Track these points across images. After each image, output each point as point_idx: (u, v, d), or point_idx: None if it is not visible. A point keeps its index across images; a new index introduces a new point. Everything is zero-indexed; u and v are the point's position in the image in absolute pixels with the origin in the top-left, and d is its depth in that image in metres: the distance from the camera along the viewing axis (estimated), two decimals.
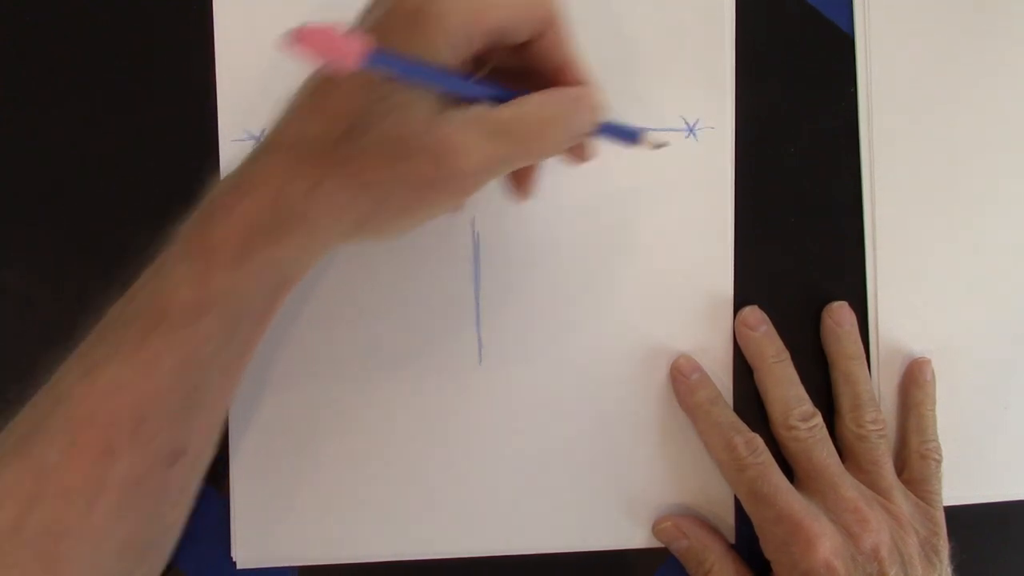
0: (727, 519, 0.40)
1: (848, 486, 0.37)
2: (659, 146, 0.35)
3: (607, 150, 0.40)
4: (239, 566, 0.38)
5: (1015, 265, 0.43)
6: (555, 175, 0.40)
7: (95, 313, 0.31)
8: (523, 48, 0.31)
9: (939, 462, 0.40)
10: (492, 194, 0.39)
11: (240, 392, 0.38)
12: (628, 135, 0.34)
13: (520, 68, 0.32)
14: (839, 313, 0.41)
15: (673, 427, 0.40)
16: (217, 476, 0.38)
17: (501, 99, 0.29)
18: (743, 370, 0.40)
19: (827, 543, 0.35)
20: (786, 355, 0.40)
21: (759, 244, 0.41)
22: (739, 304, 0.40)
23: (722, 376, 0.40)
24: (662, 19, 0.40)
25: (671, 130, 0.40)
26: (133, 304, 0.30)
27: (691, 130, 0.40)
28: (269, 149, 0.30)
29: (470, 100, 0.29)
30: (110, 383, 0.29)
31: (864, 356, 0.41)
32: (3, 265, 0.38)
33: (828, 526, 0.36)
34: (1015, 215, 0.43)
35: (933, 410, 0.41)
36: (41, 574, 0.30)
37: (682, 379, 0.39)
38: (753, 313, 0.40)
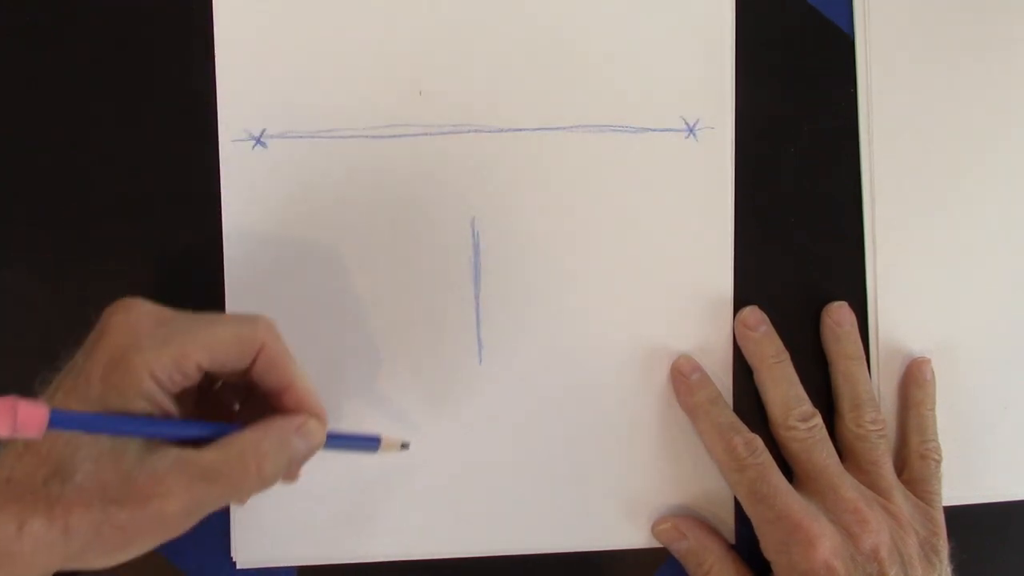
0: (727, 520, 0.40)
1: (848, 486, 0.37)
2: (403, 446, 0.36)
3: (607, 147, 0.40)
4: (239, 566, 0.38)
5: (1015, 265, 0.43)
6: (556, 175, 0.40)
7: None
8: (245, 372, 0.31)
9: (939, 462, 0.40)
10: (492, 194, 0.39)
11: None
12: (365, 443, 0.35)
13: (240, 397, 0.33)
14: (839, 313, 0.41)
15: (673, 427, 0.40)
16: None
17: (213, 436, 0.29)
18: (743, 370, 0.40)
19: (827, 543, 0.35)
20: (786, 355, 0.40)
21: (759, 244, 0.41)
22: (739, 304, 0.40)
23: (722, 376, 0.40)
24: (662, 19, 0.40)
25: (671, 130, 0.40)
26: None
27: (691, 130, 0.40)
28: None
29: (179, 441, 0.29)
30: None
31: (864, 356, 0.41)
32: (3, 265, 0.38)
33: (828, 526, 0.36)
34: (1015, 215, 0.43)
35: (933, 410, 0.41)
36: None
37: (682, 379, 0.39)
38: (753, 313, 0.40)
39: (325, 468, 0.38)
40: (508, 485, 0.39)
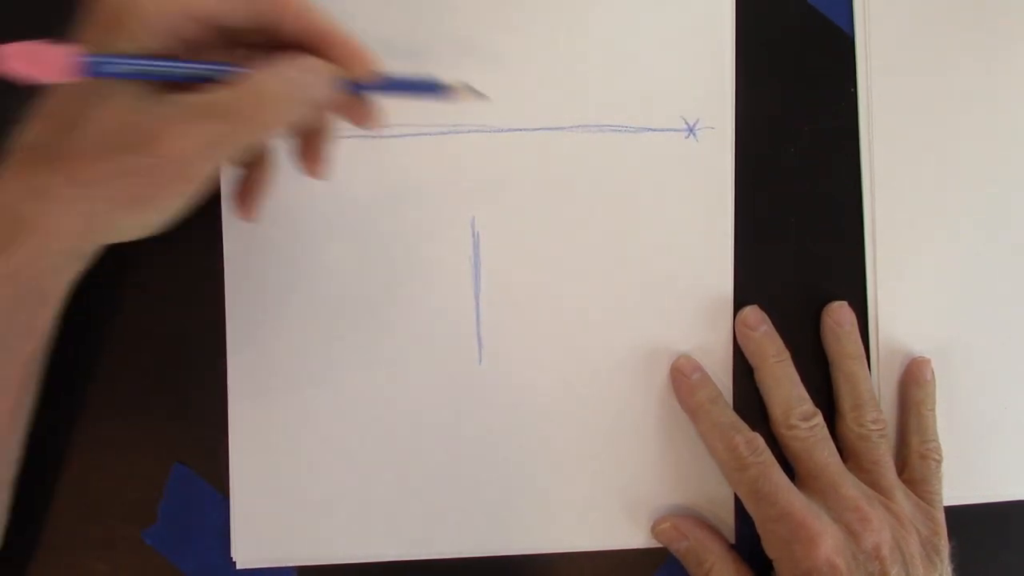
0: (727, 519, 0.40)
1: (849, 485, 0.37)
2: (474, 94, 0.34)
3: (607, 147, 0.40)
4: (239, 566, 0.38)
5: (1015, 265, 0.43)
6: (556, 176, 0.40)
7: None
8: (273, 32, 0.30)
9: (939, 462, 0.40)
10: (492, 194, 0.39)
11: (240, 392, 0.38)
12: (425, 88, 0.33)
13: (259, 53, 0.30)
14: (839, 313, 0.41)
15: (673, 427, 0.40)
16: (217, 476, 0.38)
17: (223, 77, 0.28)
18: (743, 370, 0.40)
19: (829, 541, 0.35)
20: (786, 355, 0.40)
21: (759, 244, 0.41)
22: (739, 304, 0.40)
23: (722, 376, 0.40)
24: (663, 19, 0.40)
25: (671, 130, 0.40)
26: None
27: (691, 130, 0.40)
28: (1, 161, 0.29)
29: (191, 86, 0.28)
30: None
31: (864, 356, 0.41)
32: None
33: (830, 524, 0.36)
34: (1015, 215, 0.43)
35: (933, 410, 0.41)
36: None
37: (682, 379, 0.39)
38: (753, 313, 0.40)
39: (325, 468, 0.38)
40: (508, 485, 0.39)
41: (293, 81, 0.29)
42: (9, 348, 0.31)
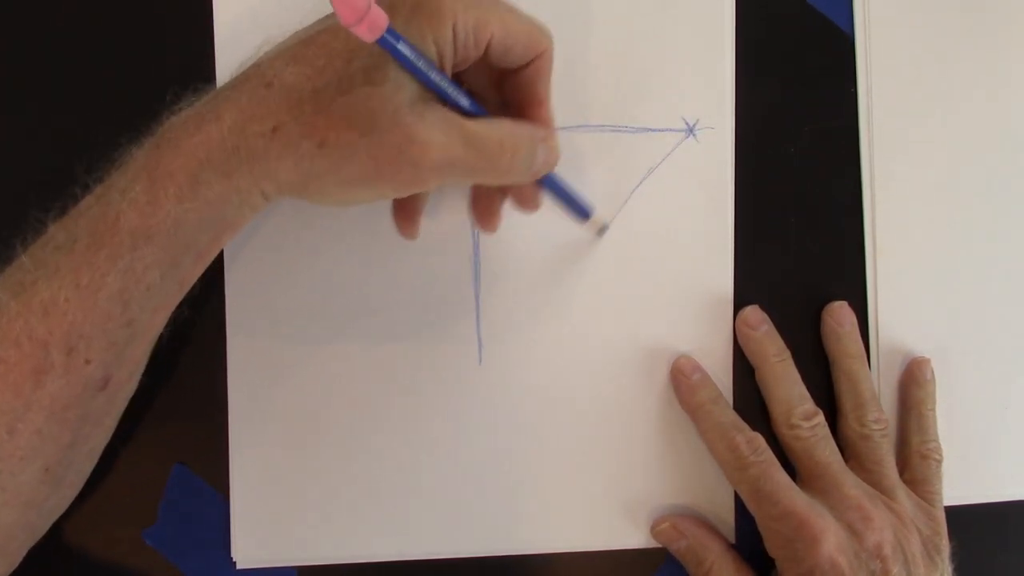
0: (727, 519, 0.40)
1: (851, 484, 0.37)
2: (601, 230, 0.38)
3: (607, 147, 0.40)
4: (239, 566, 0.38)
5: (1015, 265, 0.43)
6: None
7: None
8: (503, 75, 0.32)
9: (940, 462, 0.40)
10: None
11: (239, 392, 0.38)
12: (579, 207, 0.37)
13: (488, 92, 0.33)
14: (839, 313, 0.41)
15: (673, 427, 0.40)
16: (217, 476, 0.38)
17: (472, 114, 0.30)
18: (743, 370, 0.40)
19: (831, 539, 0.35)
20: (787, 354, 0.40)
21: (759, 244, 0.41)
22: (739, 304, 0.40)
23: (722, 376, 0.40)
24: (662, 19, 0.40)
25: (671, 130, 0.40)
26: (77, 225, 0.30)
27: (691, 130, 0.40)
28: (240, 84, 0.30)
29: (443, 102, 0.30)
30: (47, 302, 0.29)
31: (865, 355, 0.41)
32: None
33: (832, 523, 0.36)
34: (1015, 215, 0.43)
35: (933, 410, 0.41)
36: None
37: (683, 379, 0.39)
38: (754, 313, 0.40)
39: (325, 468, 0.38)
40: (508, 485, 0.39)
41: (534, 150, 0.32)
42: (184, 272, 0.31)
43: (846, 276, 0.42)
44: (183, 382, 0.38)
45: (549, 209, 0.40)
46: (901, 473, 0.40)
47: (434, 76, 0.29)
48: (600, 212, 0.38)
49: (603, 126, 0.40)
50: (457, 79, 0.32)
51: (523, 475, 0.39)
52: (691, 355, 0.40)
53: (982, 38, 0.43)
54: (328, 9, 0.31)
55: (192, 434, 0.38)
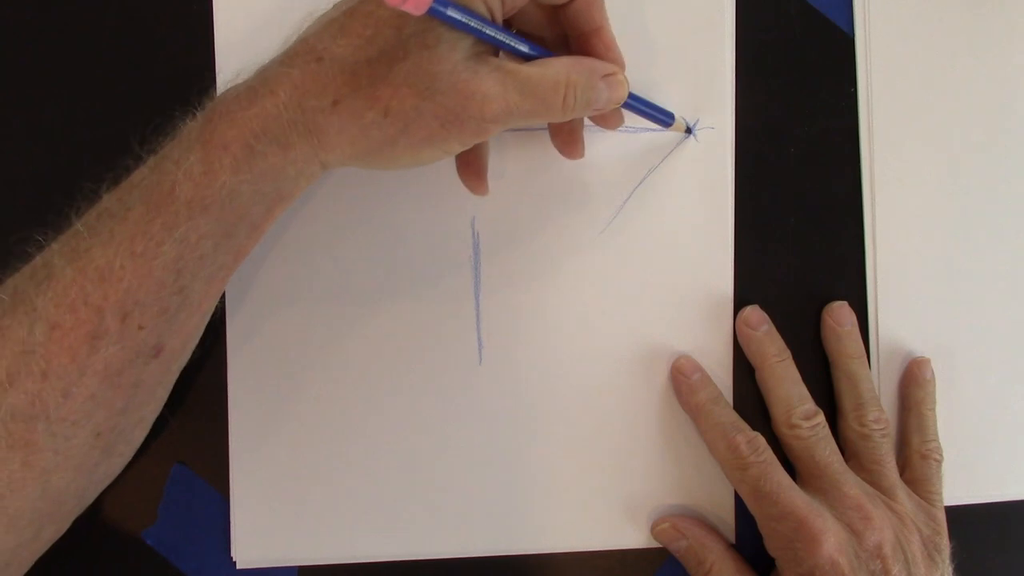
0: (727, 519, 0.40)
1: (851, 484, 0.37)
2: (688, 130, 0.39)
3: (608, 147, 0.40)
4: (239, 566, 0.38)
5: (1015, 265, 0.43)
6: (556, 176, 0.40)
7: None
8: (556, 11, 0.32)
9: (940, 462, 0.40)
10: (492, 194, 0.39)
11: (240, 392, 0.38)
12: (661, 115, 0.37)
13: (545, 31, 0.33)
14: (839, 313, 0.41)
15: (673, 427, 0.40)
16: (217, 476, 0.38)
17: (529, 57, 0.31)
18: (743, 370, 0.40)
19: (831, 539, 0.35)
20: (787, 354, 0.40)
21: (759, 244, 0.41)
22: (739, 304, 0.40)
23: (722, 376, 0.40)
24: (662, 19, 0.40)
25: (671, 130, 0.40)
26: (131, 195, 0.30)
27: (691, 130, 0.40)
28: (290, 60, 0.30)
29: (498, 52, 0.30)
30: (103, 269, 0.29)
31: (865, 355, 0.41)
32: (3, 266, 0.38)
33: (832, 523, 0.36)
34: (1015, 215, 0.43)
35: (933, 410, 0.41)
36: (8, 455, 0.29)
37: (683, 379, 0.39)
38: (754, 313, 0.40)
39: (325, 468, 0.38)
40: (508, 485, 0.39)
41: (595, 87, 0.32)
42: (237, 244, 0.31)
43: (846, 276, 0.42)
44: (183, 382, 0.38)
45: (549, 208, 0.40)
46: (901, 473, 0.40)
47: (489, 31, 0.29)
48: (680, 117, 0.39)
49: None
50: (509, 25, 0.33)
51: (523, 475, 0.39)
52: (691, 355, 0.40)
53: (982, 38, 0.43)
54: None
55: (192, 434, 0.38)
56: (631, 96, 0.34)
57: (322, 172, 0.32)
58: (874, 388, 0.40)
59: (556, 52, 0.32)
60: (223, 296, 0.38)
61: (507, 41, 0.30)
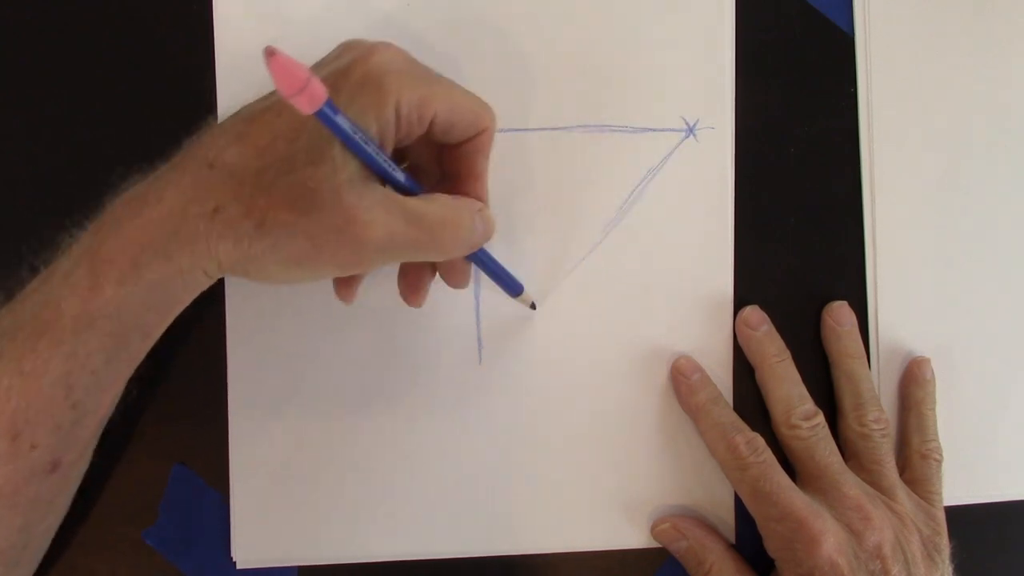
0: (727, 519, 0.40)
1: (851, 484, 0.37)
2: (532, 306, 0.38)
3: (608, 147, 0.40)
4: (239, 566, 0.38)
5: (1015, 265, 0.43)
6: (556, 176, 0.40)
7: None
8: (443, 150, 0.32)
9: (940, 462, 0.40)
10: (492, 194, 0.39)
11: (240, 392, 0.38)
12: (510, 282, 0.36)
13: (428, 165, 0.33)
14: (839, 313, 0.41)
15: (673, 427, 0.40)
16: (217, 476, 0.38)
17: (409, 191, 0.30)
18: (743, 370, 0.40)
19: (831, 540, 0.35)
20: (787, 354, 0.40)
21: (759, 244, 0.41)
22: (739, 304, 0.40)
23: (722, 376, 0.40)
24: (662, 19, 0.40)
25: (671, 130, 0.40)
26: (19, 312, 0.30)
27: (691, 130, 0.40)
28: (182, 165, 0.30)
29: (382, 182, 0.30)
30: None
31: (865, 355, 0.41)
32: (2, 266, 0.38)
33: (832, 523, 0.36)
34: (1015, 215, 0.43)
35: (933, 410, 0.41)
36: None
37: (683, 380, 0.39)
38: (754, 313, 0.40)
39: (325, 468, 0.38)
40: (508, 485, 0.39)
41: (473, 223, 0.31)
42: (130, 352, 0.31)
43: (846, 276, 0.42)
44: (183, 382, 0.38)
45: (549, 208, 0.40)
46: (901, 473, 0.40)
47: (371, 151, 0.28)
48: (529, 290, 0.38)
49: (603, 126, 0.40)
50: (401, 153, 0.33)
51: (523, 475, 0.39)
52: (691, 355, 0.40)
53: (982, 38, 0.43)
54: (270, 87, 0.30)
55: (192, 434, 0.38)
56: (484, 255, 0.34)
57: (209, 281, 0.31)
58: (874, 388, 0.40)
59: (434, 189, 0.32)
60: (223, 296, 0.38)
61: (387, 168, 0.29)
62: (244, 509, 0.38)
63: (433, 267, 0.35)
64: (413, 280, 0.35)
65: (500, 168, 0.39)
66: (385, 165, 0.29)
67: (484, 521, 0.39)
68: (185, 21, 0.38)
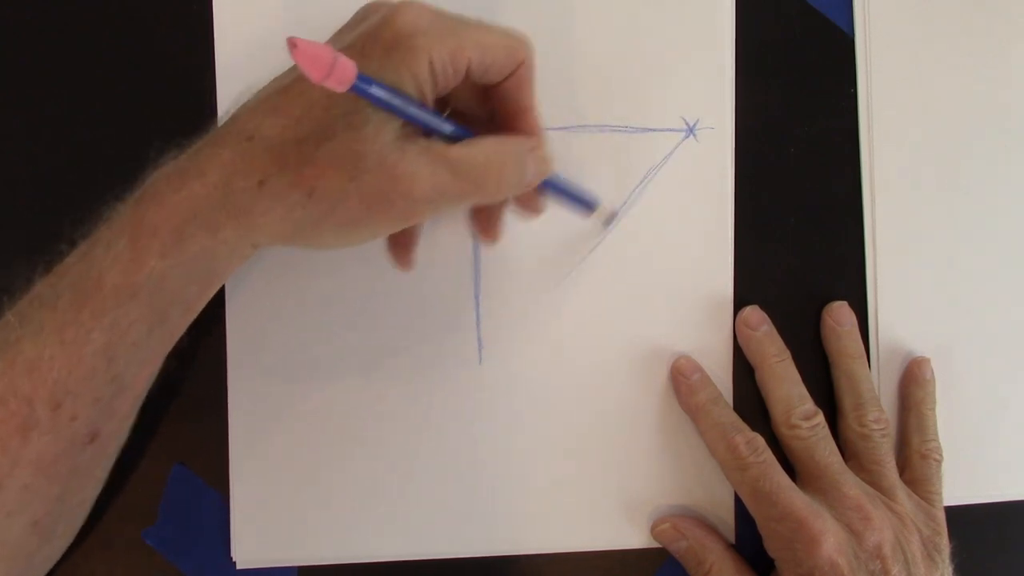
0: (727, 519, 0.40)
1: (851, 484, 0.37)
2: (608, 219, 0.38)
3: (608, 147, 0.40)
4: (239, 566, 0.38)
5: (1015, 265, 0.43)
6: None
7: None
8: (487, 90, 0.32)
9: (940, 462, 0.40)
10: None
11: (240, 392, 0.38)
12: (583, 202, 0.36)
13: (475, 108, 0.33)
14: (839, 313, 0.41)
15: (673, 427, 0.40)
16: (217, 476, 0.38)
17: (458, 138, 0.30)
18: (743, 370, 0.40)
19: (831, 540, 0.35)
20: (787, 354, 0.40)
21: (759, 244, 0.41)
22: (739, 304, 0.40)
23: (722, 376, 0.40)
24: (662, 19, 0.40)
25: (671, 130, 0.40)
26: (62, 282, 0.30)
27: (691, 130, 0.40)
28: (221, 139, 0.30)
29: (427, 133, 0.30)
30: (32, 359, 0.29)
31: (865, 355, 0.41)
32: (2, 266, 0.38)
33: (832, 523, 0.36)
34: (1015, 214, 0.43)
35: (933, 410, 0.41)
36: None
37: (683, 380, 0.39)
38: (754, 313, 0.40)
39: (325, 467, 0.38)
40: (508, 485, 0.39)
41: (523, 163, 0.32)
42: (171, 326, 0.31)
43: (846, 276, 0.42)
44: (183, 382, 0.38)
45: (549, 208, 0.40)
46: (901, 473, 0.40)
47: (412, 111, 0.28)
48: (605, 203, 0.38)
49: (603, 126, 0.40)
50: (443, 101, 0.33)
51: (523, 475, 0.39)
52: (691, 355, 0.40)
53: (982, 38, 0.43)
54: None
55: (192, 434, 0.38)
56: (553, 181, 0.34)
57: (254, 252, 0.31)
58: (874, 388, 0.40)
59: (484, 131, 0.32)
60: (223, 296, 0.38)
61: (430, 121, 0.29)
62: (244, 509, 0.38)
63: (502, 201, 0.35)
64: (486, 215, 0.36)
65: None
66: (429, 120, 0.29)
67: (484, 521, 0.39)
68: (185, 21, 0.38)
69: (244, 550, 0.38)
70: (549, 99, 0.39)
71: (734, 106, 0.41)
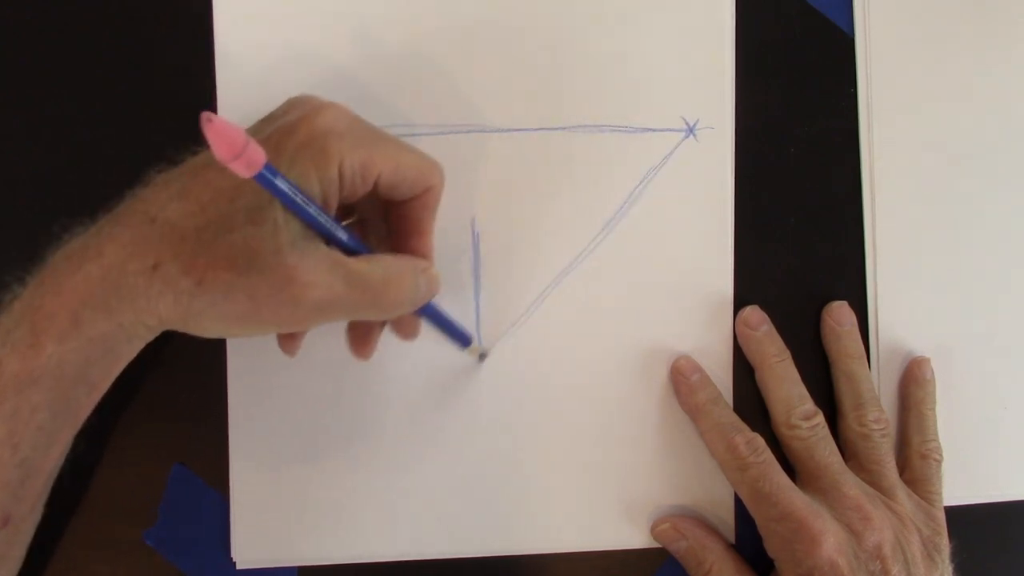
0: (727, 519, 0.40)
1: (851, 484, 0.37)
2: (481, 356, 0.38)
3: (607, 147, 0.40)
4: (239, 566, 0.38)
5: (1014, 265, 0.43)
6: (556, 176, 0.40)
7: None
8: (392, 204, 0.32)
9: (940, 462, 0.40)
10: (492, 194, 0.39)
11: (240, 392, 0.38)
12: (459, 334, 0.36)
13: (377, 221, 0.33)
14: (839, 313, 0.41)
15: (673, 427, 0.40)
16: (217, 476, 0.38)
17: (353, 248, 0.30)
18: (743, 370, 0.40)
19: (831, 540, 0.35)
20: (787, 354, 0.40)
21: (759, 244, 0.41)
22: (739, 304, 0.40)
23: (722, 376, 0.40)
24: (662, 19, 0.40)
25: (671, 130, 0.40)
26: None
27: (691, 130, 0.40)
28: (124, 218, 0.30)
29: (326, 241, 0.30)
30: None
31: (865, 355, 0.41)
32: (2, 267, 0.38)
33: (831, 523, 0.36)
34: (1015, 215, 0.43)
35: (933, 410, 0.41)
36: None
37: (683, 380, 0.39)
38: (754, 313, 0.40)
39: (325, 468, 0.38)
40: (508, 485, 0.39)
41: (417, 282, 0.32)
42: (76, 406, 0.31)
43: (846, 276, 0.42)
44: (183, 382, 0.38)
45: (549, 208, 0.40)
46: (901, 473, 0.40)
47: (312, 212, 0.28)
48: (478, 342, 0.38)
49: (603, 126, 0.40)
50: (348, 208, 0.33)
51: (523, 475, 0.39)
52: (691, 355, 0.40)
53: (982, 38, 0.43)
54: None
55: (192, 434, 0.38)
56: (433, 307, 0.34)
57: (152, 334, 0.31)
58: (874, 388, 0.40)
59: (381, 243, 0.32)
60: None
61: (327, 226, 0.29)
62: (244, 509, 0.38)
63: (382, 321, 0.35)
64: (362, 334, 0.35)
65: (501, 168, 0.39)
66: (328, 225, 0.29)
67: (484, 521, 0.39)
68: (185, 21, 0.38)
69: (244, 550, 0.38)
70: (549, 99, 0.39)
71: (734, 106, 0.41)
